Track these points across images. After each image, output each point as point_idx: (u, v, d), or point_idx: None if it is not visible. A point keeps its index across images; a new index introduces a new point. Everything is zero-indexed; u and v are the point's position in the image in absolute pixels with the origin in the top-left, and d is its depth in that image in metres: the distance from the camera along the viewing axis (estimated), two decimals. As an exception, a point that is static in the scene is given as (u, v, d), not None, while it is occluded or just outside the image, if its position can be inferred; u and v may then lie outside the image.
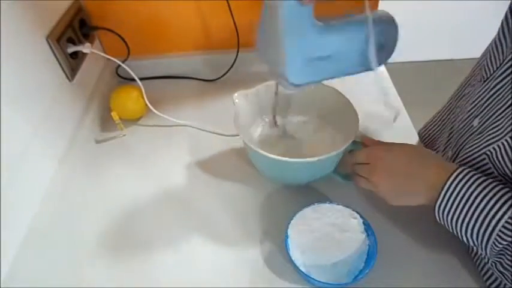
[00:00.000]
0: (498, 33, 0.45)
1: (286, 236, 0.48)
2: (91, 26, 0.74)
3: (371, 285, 0.47)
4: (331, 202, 0.51)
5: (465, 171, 0.40)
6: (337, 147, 0.50)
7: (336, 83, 0.54)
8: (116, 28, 0.74)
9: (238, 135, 0.54)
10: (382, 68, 0.78)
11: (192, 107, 0.76)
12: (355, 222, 0.50)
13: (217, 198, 0.59)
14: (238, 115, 0.55)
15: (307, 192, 0.59)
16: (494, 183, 0.38)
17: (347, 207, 0.51)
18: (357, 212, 0.51)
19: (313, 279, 0.45)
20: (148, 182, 0.62)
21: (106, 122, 0.73)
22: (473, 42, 1.06)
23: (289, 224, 0.49)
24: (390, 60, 0.50)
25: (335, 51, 0.44)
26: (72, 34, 0.66)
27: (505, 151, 0.38)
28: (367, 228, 0.50)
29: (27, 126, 0.55)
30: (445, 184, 0.40)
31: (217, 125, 0.70)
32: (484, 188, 0.38)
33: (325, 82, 0.51)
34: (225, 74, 0.82)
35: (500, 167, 0.40)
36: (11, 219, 0.51)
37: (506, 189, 0.37)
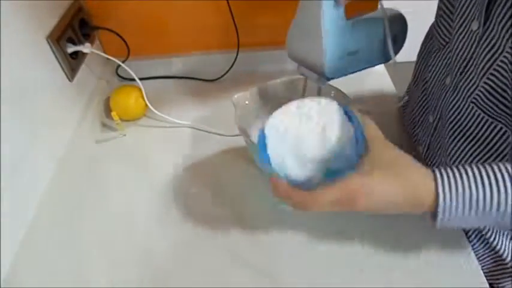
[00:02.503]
0: (442, 5, 0.50)
1: (263, 136, 0.41)
2: (91, 26, 0.74)
3: (375, 285, 0.47)
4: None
5: (443, 170, 0.36)
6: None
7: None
8: (116, 28, 0.74)
9: (238, 135, 0.55)
10: (382, 68, 0.80)
11: (192, 107, 0.76)
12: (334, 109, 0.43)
13: (217, 198, 0.59)
14: (239, 116, 0.55)
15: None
16: (481, 165, 0.35)
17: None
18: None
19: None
20: (148, 182, 0.62)
21: (106, 122, 0.73)
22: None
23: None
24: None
25: (361, 46, 0.49)
26: (72, 34, 0.66)
27: (489, 93, 0.42)
28: (349, 114, 0.42)
29: (27, 126, 0.55)
30: (437, 193, 0.35)
31: (217, 125, 0.70)
32: (475, 172, 0.35)
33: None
34: (225, 74, 0.82)
35: (489, 109, 0.43)
36: (11, 219, 0.51)
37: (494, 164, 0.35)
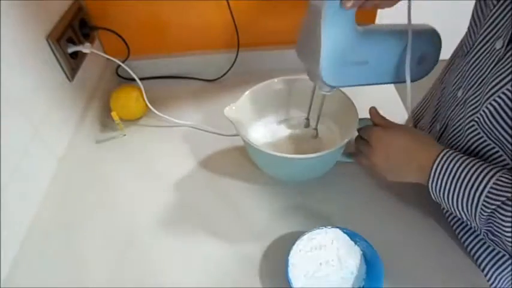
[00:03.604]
0: (474, 11, 0.48)
1: (287, 265, 0.46)
2: (91, 26, 0.74)
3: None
4: (321, 227, 0.49)
5: (450, 152, 0.44)
6: (337, 142, 0.50)
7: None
8: (116, 28, 0.74)
9: (238, 135, 0.55)
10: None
11: (192, 107, 0.76)
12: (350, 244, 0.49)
13: (217, 197, 0.59)
14: (235, 124, 0.55)
15: (309, 189, 0.59)
16: (475, 160, 0.42)
17: (335, 227, 0.49)
18: (341, 228, 0.49)
19: None
20: (148, 182, 0.62)
21: (106, 122, 0.73)
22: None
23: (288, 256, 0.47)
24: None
25: (373, 58, 0.44)
26: (72, 34, 0.66)
27: (492, 115, 0.42)
28: (356, 238, 0.49)
29: (27, 126, 0.55)
30: (433, 165, 0.44)
31: (217, 125, 0.70)
32: (467, 165, 0.42)
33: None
34: (225, 74, 0.82)
35: (489, 131, 0.43)
36: (11, 219, 0.51)
37: (486, 164, 0.42)
